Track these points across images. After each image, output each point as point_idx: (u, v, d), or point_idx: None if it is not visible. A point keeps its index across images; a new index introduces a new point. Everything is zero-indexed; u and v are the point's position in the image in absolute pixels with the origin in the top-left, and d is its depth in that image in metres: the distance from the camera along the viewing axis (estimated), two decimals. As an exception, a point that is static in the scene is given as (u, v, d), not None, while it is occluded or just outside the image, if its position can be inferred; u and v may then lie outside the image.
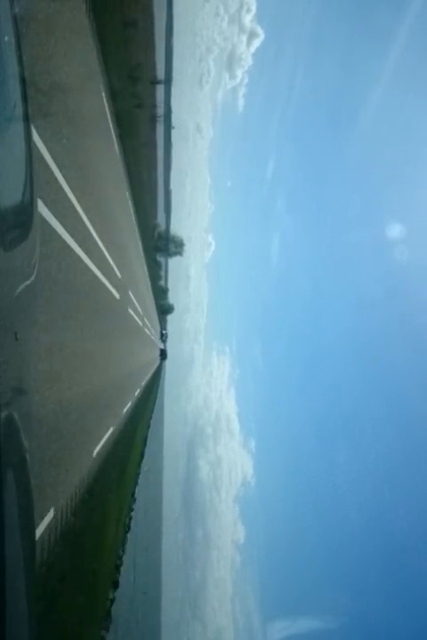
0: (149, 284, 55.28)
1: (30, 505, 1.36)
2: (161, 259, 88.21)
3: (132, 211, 28.28)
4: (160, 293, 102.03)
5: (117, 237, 18.07)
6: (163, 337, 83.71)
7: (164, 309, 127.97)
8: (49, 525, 7.32)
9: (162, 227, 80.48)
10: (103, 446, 14.25)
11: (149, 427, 52.01)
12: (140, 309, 30.95)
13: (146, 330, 41.02)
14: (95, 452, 12.74)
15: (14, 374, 1.27)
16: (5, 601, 0.99)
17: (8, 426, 1.14)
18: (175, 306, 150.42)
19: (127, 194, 23.72)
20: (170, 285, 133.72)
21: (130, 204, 26.65)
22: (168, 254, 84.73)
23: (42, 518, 6.91)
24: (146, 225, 48.02)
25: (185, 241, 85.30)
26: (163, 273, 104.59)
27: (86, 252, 9.85)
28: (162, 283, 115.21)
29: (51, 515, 7.40)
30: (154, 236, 61.51)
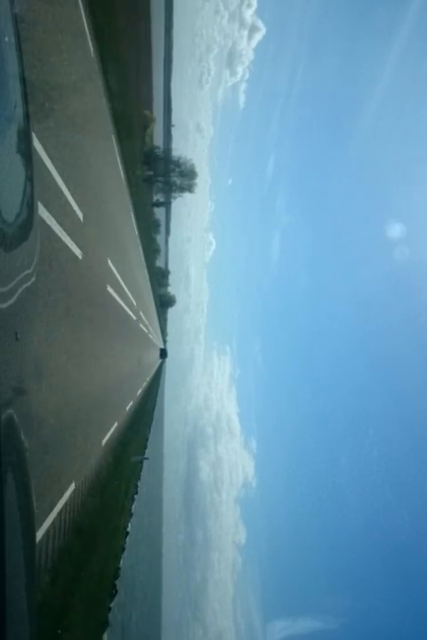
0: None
1: (30, 505, 1.36)
2: (161, 202, 60.47)
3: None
4: (159, 278, 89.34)
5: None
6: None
7: (164, 301, 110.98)
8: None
9: (161, 149, 52.30)
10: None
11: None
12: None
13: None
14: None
15: (14, 374, 1.28)
16: (5, 601, 0.99)
17: (8, 426, 1.15)
18: (176, 304, 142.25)
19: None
20: (171, 284, 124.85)
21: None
22: (172, 190, 54.16)
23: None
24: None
25: (196, 181, 52.67)
26: (162, 242, 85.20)
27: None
28: (162, 265, 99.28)
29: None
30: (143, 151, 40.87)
